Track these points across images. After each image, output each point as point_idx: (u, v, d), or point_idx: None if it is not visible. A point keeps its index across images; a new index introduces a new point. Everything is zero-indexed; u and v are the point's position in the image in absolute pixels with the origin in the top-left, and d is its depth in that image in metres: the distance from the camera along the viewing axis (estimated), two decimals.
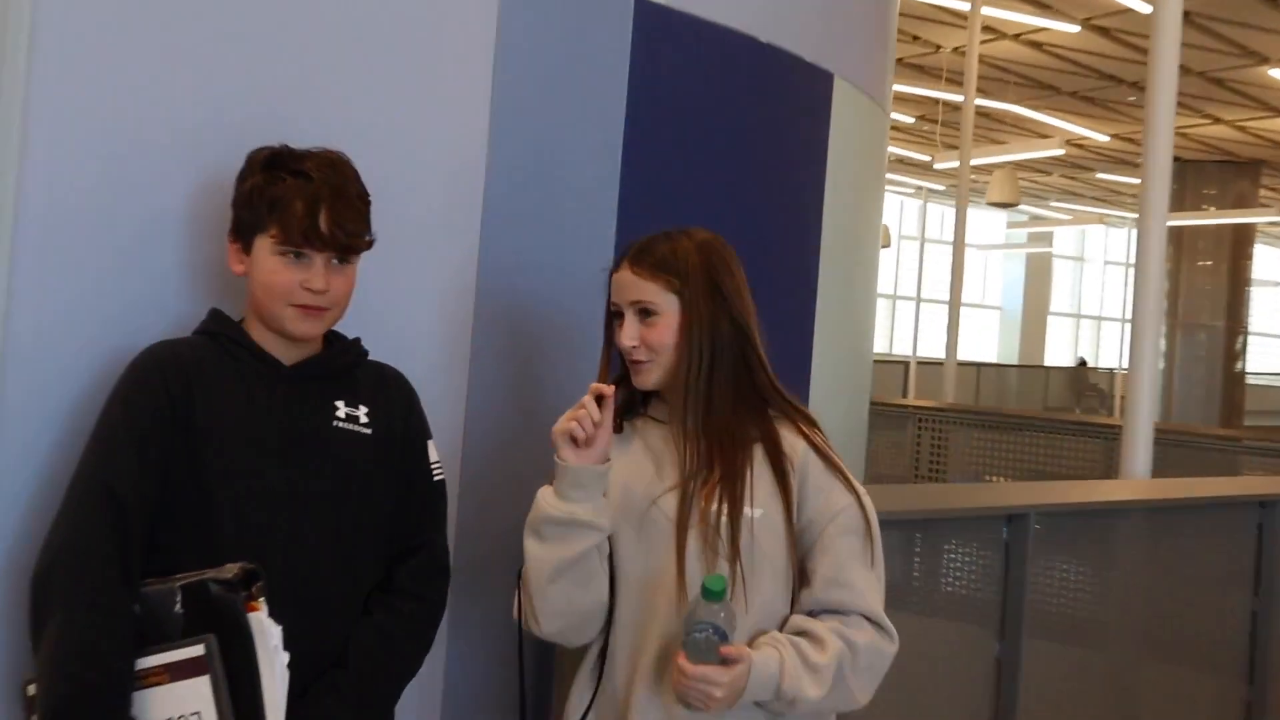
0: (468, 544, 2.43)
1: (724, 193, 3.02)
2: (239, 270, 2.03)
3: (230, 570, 1.82)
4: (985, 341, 28.72)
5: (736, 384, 2.06)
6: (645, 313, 2.06)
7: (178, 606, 1.81)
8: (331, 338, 2.12)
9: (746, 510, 2.00)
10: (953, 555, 3.67)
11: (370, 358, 2.15)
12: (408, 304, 2.43)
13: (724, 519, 1.98)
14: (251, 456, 1.94)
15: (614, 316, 2.11)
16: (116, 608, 1.79)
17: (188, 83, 2.15)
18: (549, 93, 2.63)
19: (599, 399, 2.02)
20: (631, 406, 2.17)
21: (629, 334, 2.06)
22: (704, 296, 2.04)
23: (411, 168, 2.42)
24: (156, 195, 2.12)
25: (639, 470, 2.09)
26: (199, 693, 1.78)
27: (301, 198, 1.95)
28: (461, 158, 2.50)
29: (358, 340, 2.14)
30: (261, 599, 1.82)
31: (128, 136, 2.09)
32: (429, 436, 2.17)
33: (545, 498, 2.03)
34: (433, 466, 2.16)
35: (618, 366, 2.14)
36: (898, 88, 15.36)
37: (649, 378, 2.08)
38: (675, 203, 2.86)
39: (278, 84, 2.25)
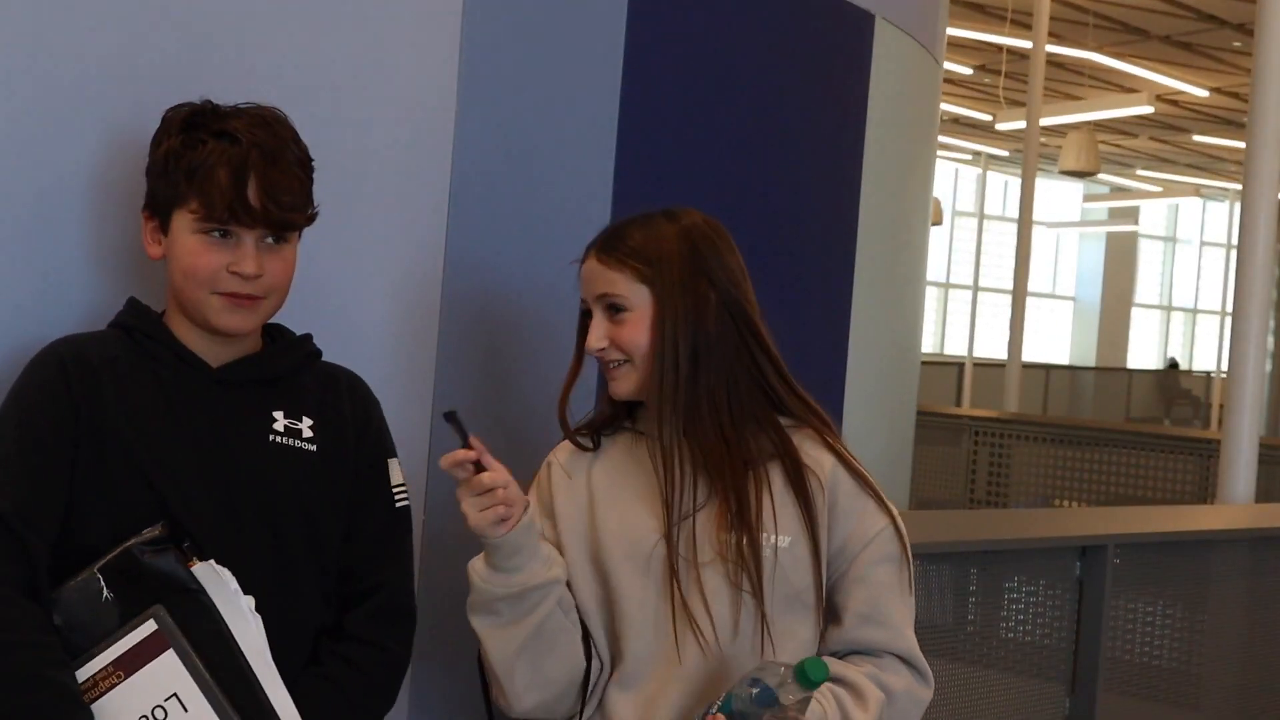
0: (433, 579, 2.45)
1: (741, 162, 3.04)
2: (155, 253, 2.02)
3: (150, 532, 1.85)
4: (1056, 339, 28.70)
5: (736, 389, 2.07)
6: (614, 308, 2.08)
7: (105, 593, 1.83)
8: (274, 334, 2.11)
9: (771, 538, 2.02)
10: (1015, 594, 3.69)
11: (324, 359, 2.15)
12: (359, 295, 2.45)
13: (743, 549, 2.00)
14: (171, 478, 1.93)
15: (586, 316, 2.13)
16: (35, 627, 1.81)
17: (95, 23, 2.14)
18: (530, 45, 2.65)
19: (462, 440, 1.94)
20: (614, 419, 2.19)
21: (596, 334, 2.08)
22: (681, 286, 2.05)
23: (364, 133, 2.44)
24: (60, 162, 2.12)
25: (635, 498, 2.11)
26: (169, 671, 1.80)
27: (226, 164, 1.93)
28: (425, 124, 2.52)
29: (308, 337, 2.13)
30: (195, 556, 1.85)
31: (19, 88, 2.08)
32: (391, 455, 2.15)
33: (483, 575, 2.02)
34: (395, 491, 2.14)
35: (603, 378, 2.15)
36: (953, 31, 15.35)
37: (623, 385, 2.10)
38: (681, 173, 2.88)
39: (205, 26, 2.26)
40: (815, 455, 2.09)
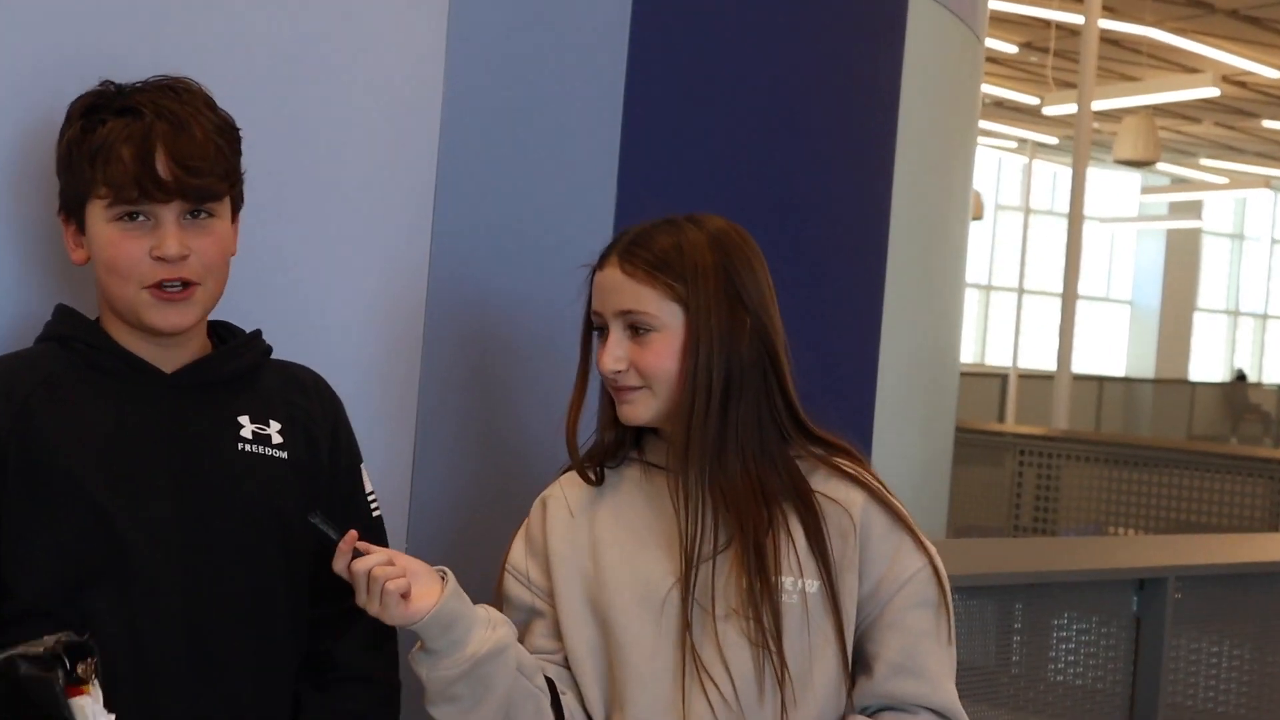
0: None
1: (760, 152, 3.05)
2: (79, 258, 2.01)
3: (45, 644, 1.79)
4: (1110, 348, 28.71)
5: (759, 422, 2.06)
6: (637, 327, 2.05)
7: None
8: (222, 333, 2.11)
9: (798, 582, 2.02)
10: (1065, 632, 3.69)
11: (275, 355, 2.15)
12: (337, 300, 2.46)
13: (762, 599, 2.00)
14: (129, 497, 1.93)
15: (596, 329, 2.11)
16: None
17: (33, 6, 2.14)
18: (525, 21, 2.66)
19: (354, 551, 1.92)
20: (619, 448, 2.17)
21: (613, 354, 2.04)
22: (719, 308, 2.02)
23: (340, 114, 2.45)
24: None
25: (646, 538, 2.10)
26: None
27: (128, 140, 1.92)
28: (409, 98, 2.53)
29: (258, 333, 2.13)
30: (93, 681, 1.82)
31: None
32: (361, 460, 2.18)
33: (427, 664, 1.97)
34: (369, 499, 2.17)
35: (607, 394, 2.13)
36: (995, 5, 15.37)
37: (639, 411, 2.07)
38: (694, 165, 2.89)
39: (160, 9, 2.27)
40: (844, 491, 2.07)
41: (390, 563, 1.90)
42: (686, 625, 2.01)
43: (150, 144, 1.92)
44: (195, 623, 1.94)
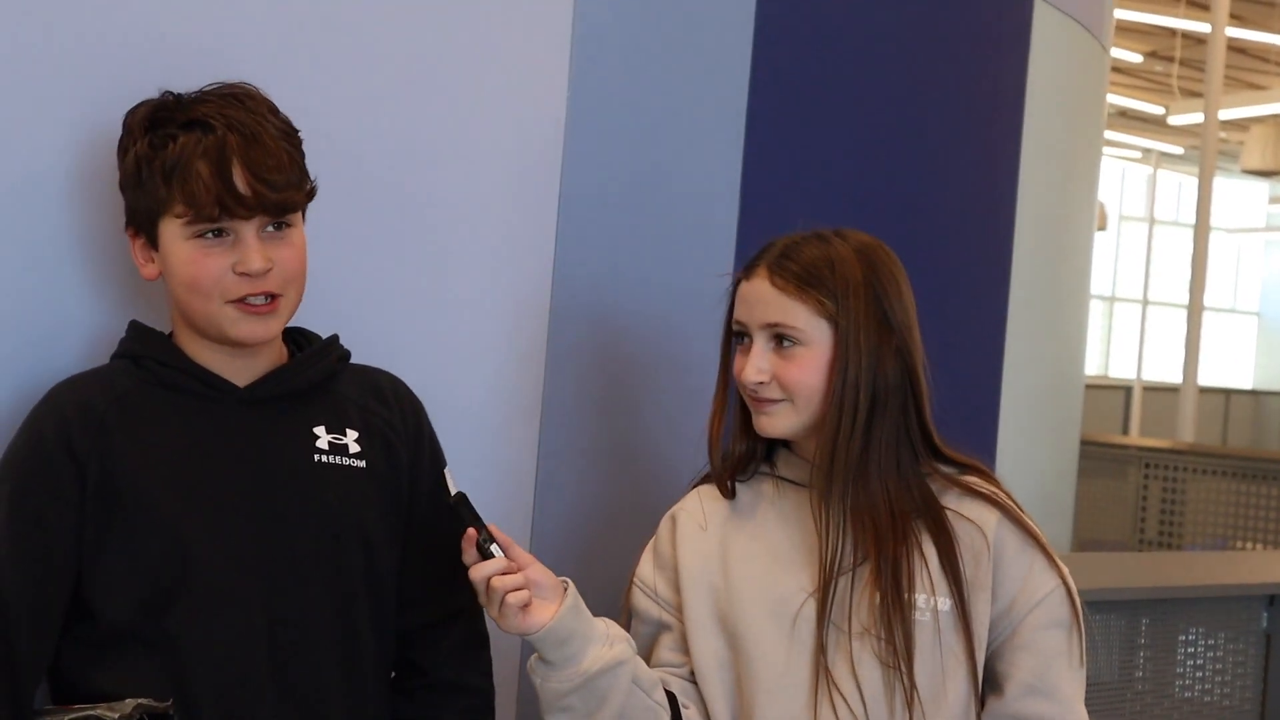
0: None
1: (883, 162, 3.04)
2: (150, 273, 1.97)
3: (125, 707, 1.82)
4: (1237, 360, 28.27)
5: (898, 442, 2.05)
6: (783, 339, 2.04)
7: None
8: (297, 338, 2.09)
9: (931, 600, 2.01)
10: (1192, 649, 3.64)
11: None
12: (461, 316, 2.48)
13: (895, 618, 1.99)
14: (205, 515, 1.91)
15: (737, 338, 2.10)
16: None
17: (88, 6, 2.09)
18: (648, 31, 2.67)
19: (488, 550, 1.92)
20: (750, 460, 2.17)
21: (756, 365, 2.03)
22: (867, 326, 2.02)
23: (464, 131, 2.46)
24: (47, 173, 2.06)
25: (779, 552, 2.10)
26: None
27: (204, 155, 1.87)
28: (532, 118, 2.54)
29: (334, 339, 2.10)
30: None
31: None
32: (445, 464, 2.12)
33: (541, 673, 1.98)
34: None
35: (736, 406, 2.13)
36: (1120, 14, 15.21)
37: (778, 424, 2.06)
38: (817, 174, 2.89)
39: (284, 28, 2.28)
40: (978, 511, 2.06)
41: (511, 570, 1.90)
42: (821, 642, 2.01)
43: (226, 159, 1.87)
44: (277, 639, 1.92)
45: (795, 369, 2.02)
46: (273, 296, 1.93)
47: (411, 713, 2.08)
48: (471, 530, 1.90)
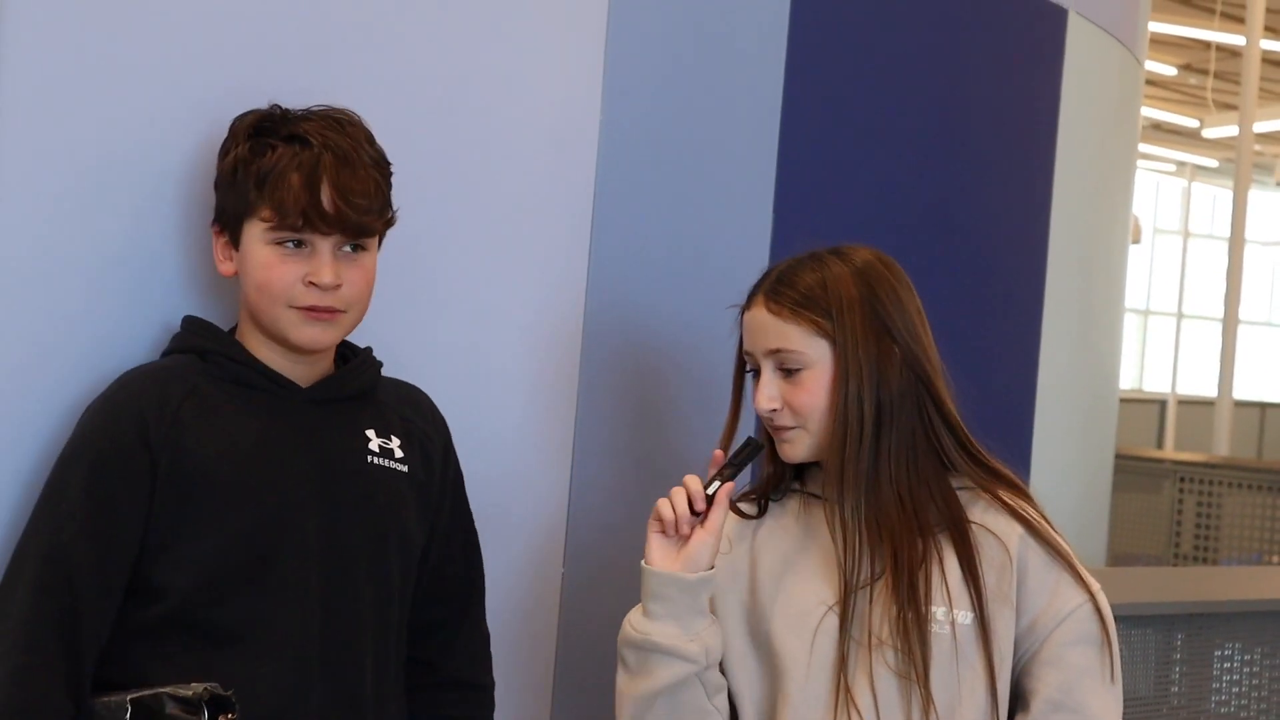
0: (572, 640, 2.48)
1: (917, 175, 3.03)
2: (227, 270, 2.07)
3: (193, 689, 1.86)
4: (1274, 373, 28.15)
5: (914, 452, 2.05)
6: (788, 368, 2.06)
7: None
8: (344, 350, 2.16)
9: (951, 613, 2.00)
10: (1228, 664, 3.62)
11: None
12: (495, 324, 2.49)
13: (913, 631, 1.99)
14: (275, 508, 1.99)
15: (750, 370, 2.12)
16: None
17: (186, 35, 2.16)
18: (681, 46, 2.67)
19: (708, 497, 2.01)
20: (781, 480, 2.18)
21: (766, 394, 2.06)
22: (866, 340, 2.03)
23: (498, 139, 2.48)
24: (147, 179, 2.13)
25: (805, 567, 2.10)
26: None
27: (298, 168, 1.97)
28: (566, 125, 2.55)
29: (369, 350, 2.18)
30: None
31: (108, 98, 2.09)
32: (462, 477, 2.24)
33: (631, 614, 2.06)
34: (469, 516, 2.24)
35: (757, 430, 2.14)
36: (1155, 27, 15.17)
37: (797, 449, 2.08)
38: (850, 188, 2.88)
39: (329, 34, 2.30)
40: (1002, 524, 2.06)
41: (682, 521, 2.01)
42: (842, 654, 2.01)
43: (318, 175, 1.97)
44: (330, 630, 1.99)
45: (803, 393, 2.04)
46: (334, 311, 2.01)
47: (421, 709, 2.17)
48: (718, 453, 2.04)
